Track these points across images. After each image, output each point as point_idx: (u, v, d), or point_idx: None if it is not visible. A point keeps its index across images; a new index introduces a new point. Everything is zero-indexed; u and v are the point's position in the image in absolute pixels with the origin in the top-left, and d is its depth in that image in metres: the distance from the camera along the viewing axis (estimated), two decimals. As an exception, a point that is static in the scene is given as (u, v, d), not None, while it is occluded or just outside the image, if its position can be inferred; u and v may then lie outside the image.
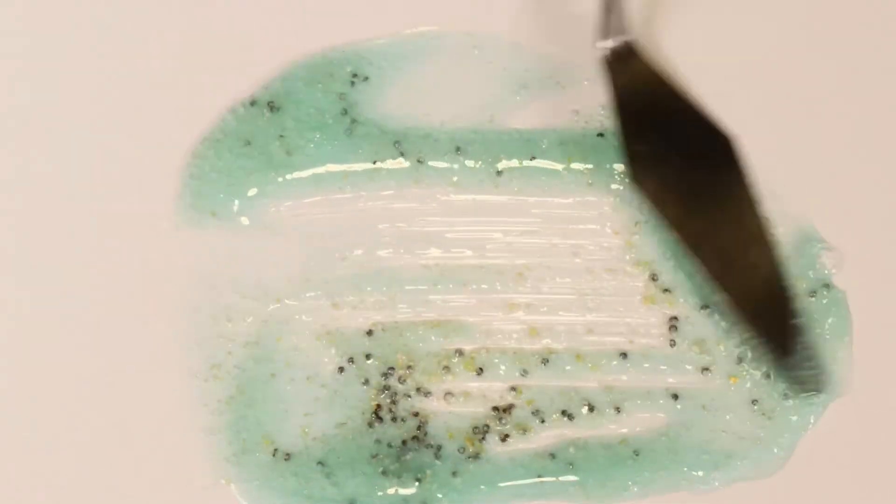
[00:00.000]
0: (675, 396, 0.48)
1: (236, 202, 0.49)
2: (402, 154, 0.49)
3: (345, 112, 0.49)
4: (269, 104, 0.49)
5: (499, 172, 0.49)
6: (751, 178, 0.47)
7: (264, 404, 0.48)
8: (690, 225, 0.47)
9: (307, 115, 0.49)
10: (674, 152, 0.47)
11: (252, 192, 0.49)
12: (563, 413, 0.48)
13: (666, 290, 0.48)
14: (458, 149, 0.49)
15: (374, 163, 0.49)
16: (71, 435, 0.48)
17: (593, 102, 0.49)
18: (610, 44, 0.47)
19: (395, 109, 0.49)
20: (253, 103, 0.49)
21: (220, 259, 0.48)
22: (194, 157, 0.49)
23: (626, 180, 0.48)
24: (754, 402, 0.48)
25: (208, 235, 0.48)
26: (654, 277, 0.48)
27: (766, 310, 0.46)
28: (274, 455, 0.48)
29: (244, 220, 0.48)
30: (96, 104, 0.49)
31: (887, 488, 0.48)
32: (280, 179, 0.49)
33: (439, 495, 0.48)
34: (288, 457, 0.48)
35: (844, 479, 0.48)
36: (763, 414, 0.48)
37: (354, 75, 0.49)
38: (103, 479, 0.48)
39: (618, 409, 0.48)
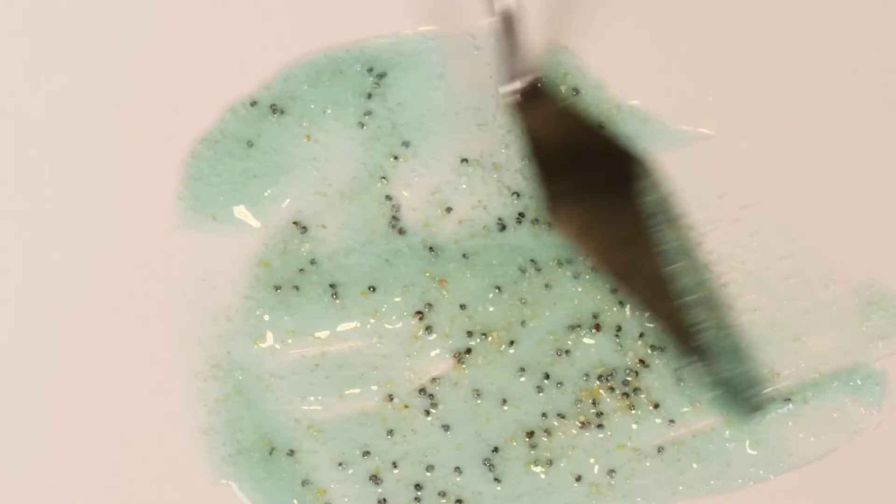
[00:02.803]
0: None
1: (237, 204, 0.48)
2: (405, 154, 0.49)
3: (355, 111, 0.49)
4: (271, 106, 0.49)
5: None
6: (652, 194, 0.47)
7: (262, 404, 0.48)
8: (616, 258, 0.46)
9: (314, 115, 0.49)
10: (590, 187, 0.47)
11: (254, 193, 0.49)
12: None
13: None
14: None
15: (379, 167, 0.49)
16: (71, 434, 0.48)
17: (596, 102, 0.49)
18: (517, 86, 0.47)
19: (395, 109, 0.49)
20: (253, 104, 0.49)
21: (220, 259, 0.48)
22: (194, 157, 0.49)
23: (549, 222, 0.48)
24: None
25: (208, 236, 0.48)
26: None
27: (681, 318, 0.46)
28: (271, 455, 0.48)
29: (252, 223, 0.48)
30: (95, 103, 0.49)
31: (888, 488, 0.48)
32: (281, 181, 0.49)
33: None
34: (284, 454, 0.48)
35: (845, 479, 0.48)
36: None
37: (379, 75, 0.49)
38: (103, 478, 0.48)
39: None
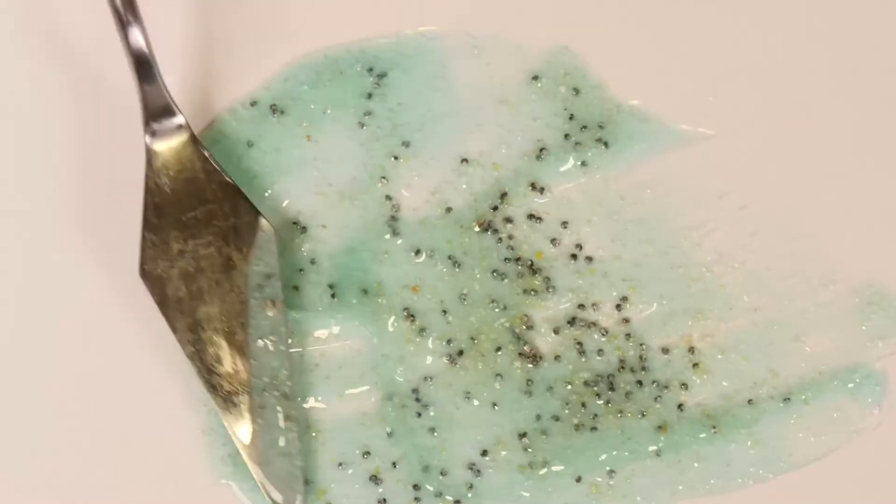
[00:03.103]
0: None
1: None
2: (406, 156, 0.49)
3: (352, 111, 0.49)
4: (271, 106, 0.49)
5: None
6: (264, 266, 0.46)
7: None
8: (195, 310, 0.46)
9: (314, 115, 0.49)
10: (201, 243, 0.46)
11: (254, 193, 0.48)
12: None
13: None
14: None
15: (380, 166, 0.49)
16: (71, 434, 0.48)
17: (596, 102, 0.49)
18: (154, 126, 0.46)
19: (395, 109, 0.49)
20: (253, 104, 0.49)
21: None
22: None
23: (139, 269, 0.46)
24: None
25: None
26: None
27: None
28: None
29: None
30: (96, 103, 0.49)
31: (888, 488, 0.48)
32: (281, 181, 0.49)
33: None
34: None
35: (845, 479, 0.48)
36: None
37: (379, 75, 0.49)
38: (103, 478, 0.48)
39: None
